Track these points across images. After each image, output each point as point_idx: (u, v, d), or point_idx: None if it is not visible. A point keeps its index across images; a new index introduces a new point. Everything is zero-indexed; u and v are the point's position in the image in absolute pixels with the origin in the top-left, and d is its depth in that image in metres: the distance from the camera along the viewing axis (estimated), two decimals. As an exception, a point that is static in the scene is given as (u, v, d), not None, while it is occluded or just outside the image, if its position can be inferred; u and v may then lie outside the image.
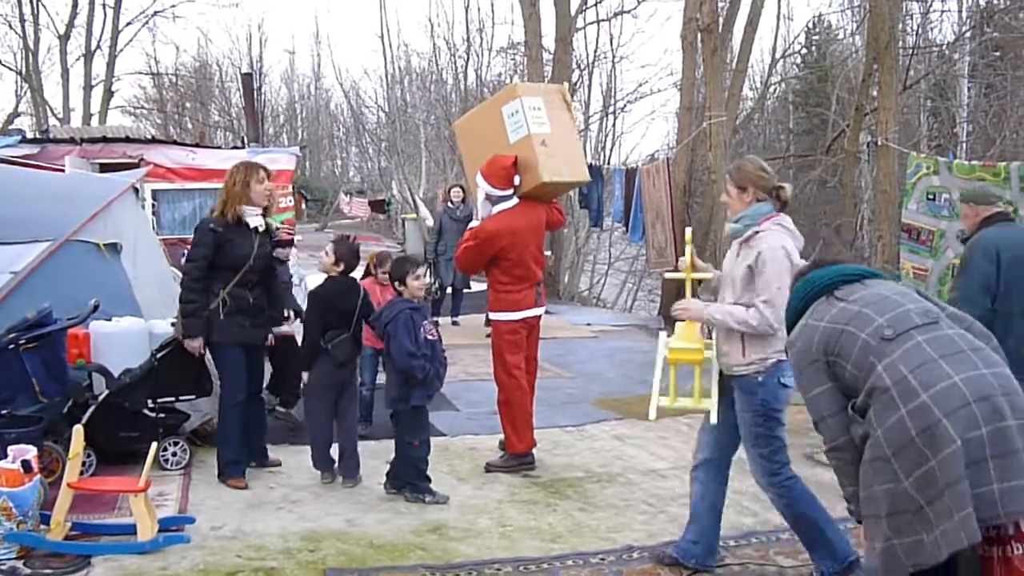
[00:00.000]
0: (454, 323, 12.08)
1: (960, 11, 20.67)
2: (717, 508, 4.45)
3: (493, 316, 6.28)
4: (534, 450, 6.18)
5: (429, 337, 5.41)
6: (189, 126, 37.83)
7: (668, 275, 6.42)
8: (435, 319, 12.08)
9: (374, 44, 71.02)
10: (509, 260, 6.03)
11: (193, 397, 5.99)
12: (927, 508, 2.68)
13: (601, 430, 7.19)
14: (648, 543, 4.82)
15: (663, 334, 4.51)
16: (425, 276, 5.69)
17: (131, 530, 4.59)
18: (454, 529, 4.99)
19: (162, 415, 5.86)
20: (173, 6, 30.96)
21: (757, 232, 4.08)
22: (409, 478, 5.46)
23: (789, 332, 3.30)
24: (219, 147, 18.32)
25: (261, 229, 5.65)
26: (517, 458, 6.10)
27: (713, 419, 4.27)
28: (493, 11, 42.64)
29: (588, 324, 12.04)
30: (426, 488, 5.43)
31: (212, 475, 5.70)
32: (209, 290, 5.51)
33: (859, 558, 4.02)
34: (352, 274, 5.87)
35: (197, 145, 15.47)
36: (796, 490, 4.15)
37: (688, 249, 4.46)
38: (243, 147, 16.95)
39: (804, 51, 27.99)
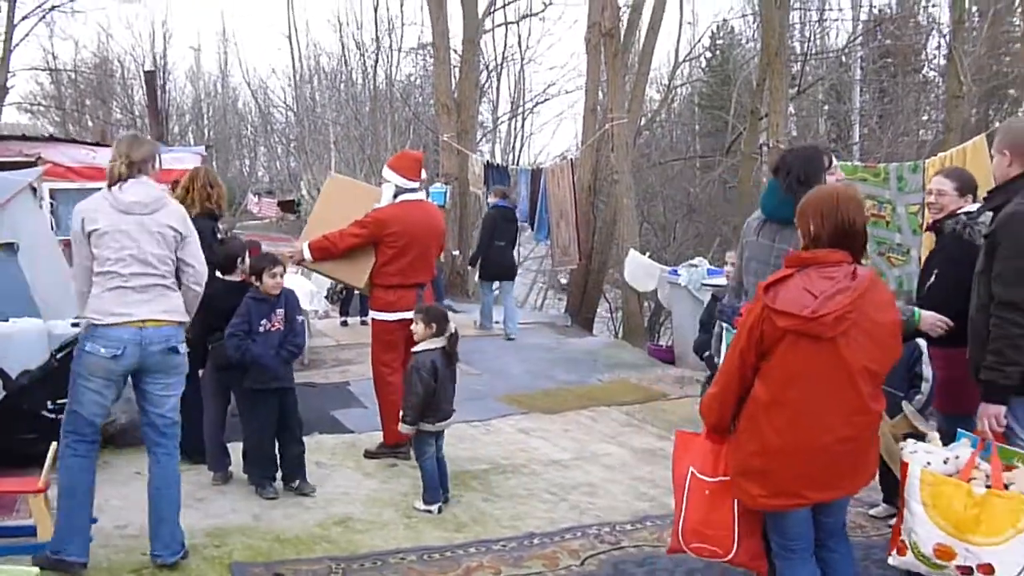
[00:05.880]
0: (363, 322, 12.09)
1: (854, 19, 21.58)
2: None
3: (371, 314, 6.38)
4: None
5: (271, 329, 5.44)
6: (89, 124, 36.69)
7: None
8: (344, 319, 12.25)
9: (282, 43, 69.94)
10: (395, 248, 6.09)
11: (95, 398, 5.92)
12: None
13: (506, 424, 7.37)
14: (549, 529, 5.00)
15: None
16: (283, 275, 5.67)
17: (31, 532, 4.54)
18: (360, 521, 5.09)
19: (62, 416, 5.78)
20: (71, 0, 29.97)
21: None
22: (249, 467, 5.57)
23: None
24: (120, 146, 17.88)
25: None
26: (388, 448, 6.29)
27: None
28: (402, 11, 42.52)
29: (496, 322, 12.19)
30: (258, 479, 5.47)
31: (115, 476, 5.67)
32: None
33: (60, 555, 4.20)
34: (232, 275, 5.77)
35: (98, 144, 15.11)
36: (67, 459, 4.33)
37: None
38: (145, 146, 16.63)
39: (708, 55, 28.77)
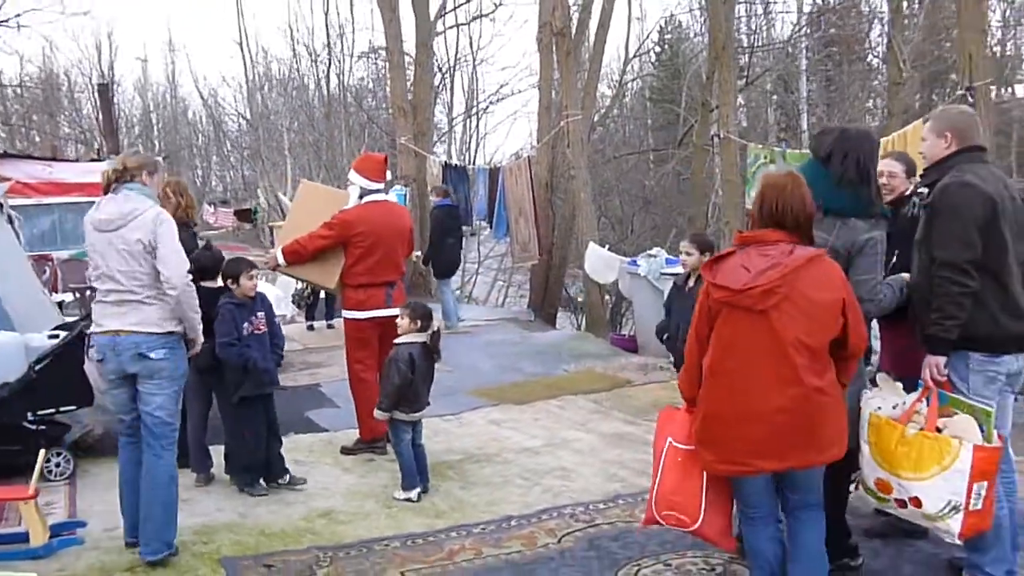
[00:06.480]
0: (329, 326, 12.22)
1: (798, 10, 22.08)
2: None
3: (343, 313, 6.55)
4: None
5: (256, 331, 5.60)
6: (37, 139, 36.22)
7: None
8: (310, 323, 12.35)
9: (231, 50, 69.47)
10: (362, 248, 6.24)
11: (74, 408, 6.04)
12: None
13: (478, 416, 7.57)
14: (525, 512, 5.21)
15: None
16: (258, 278, 5.82)
17: (23, 538, 4.68)
18: (343, 513, 5.27)
19: (43, 427, 5.89)
20: (18, 15, 29.52)
21: None
22: (232, 469, 5.73)
23: None
24: (76, 160, 17.81)
25: None
26: (365, 443, 6.47)
27: None
28: (353, 16, 42.45)
29: (462, 320, 12.39)
30: (247, 480, 5.64)
31: (98, 483, 5.79)
32: None
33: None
34: (213, 281, 5.84)
35: (53, 159, 15.05)
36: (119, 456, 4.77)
37: None
38: (100, 160, 16.57)
39: (658, 50, 29.16)
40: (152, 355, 4.48)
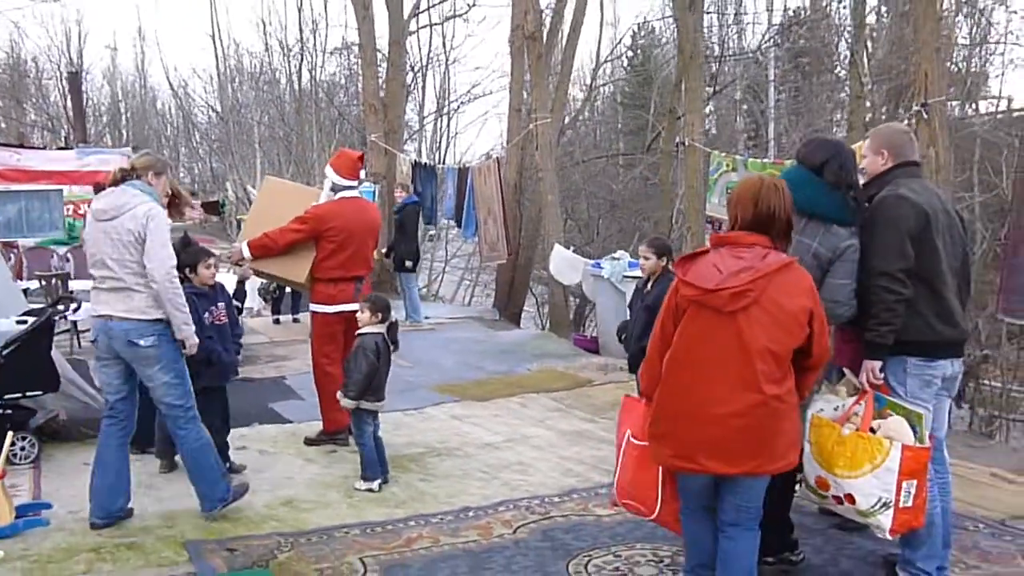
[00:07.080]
0: (295, 320, 12.32)
1: (768, 21, 22.41)
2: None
3: (312, 307, 6.66)
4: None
5: (217, 322, 5.71)
6: (3, 125, 35.81)
7: None
8: (276, 317, 12.42)
9: (203, 42, 68.94)
10: (334, 243, 6.36)
11: (40, 393, 6.11)
12: None
13: (440, 411, 7.72)
14: (483, 504, 5.36)
15: None
16: (217, 267, 5.92)
17: (-11, 518, 4.76)
18: (305, 502, 5.40)
19: (9, 411, 5.95)
20: (-14, 1, 29.23)
21: None
22: None
23: None
24: (44, 148, 17.72)
25: None
26: (328, 435, 6.61)
27: None
28: (326, 12, 42.43)
29: (427, 318, 12.52)
30: None
31: (63, 467, 5.87)
32: None
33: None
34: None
35: (21, 146, 15.00)
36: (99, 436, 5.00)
37: None
38: (68, 147, 16.52)
39: (630, 54, 29.41)
40: (141, 342, 4.71)
